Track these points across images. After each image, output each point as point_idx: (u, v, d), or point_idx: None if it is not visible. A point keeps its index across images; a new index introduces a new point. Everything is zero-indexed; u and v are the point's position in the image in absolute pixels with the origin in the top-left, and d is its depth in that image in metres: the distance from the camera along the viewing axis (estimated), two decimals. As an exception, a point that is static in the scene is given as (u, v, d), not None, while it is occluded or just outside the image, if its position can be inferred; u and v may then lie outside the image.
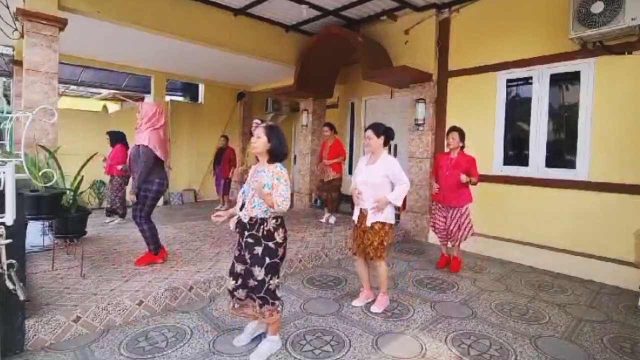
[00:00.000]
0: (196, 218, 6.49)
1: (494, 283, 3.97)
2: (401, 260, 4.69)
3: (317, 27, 6.35)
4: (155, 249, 3.69)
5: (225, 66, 7.10)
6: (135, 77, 9.12)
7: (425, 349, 2.58)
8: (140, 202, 3.53)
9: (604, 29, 3.78)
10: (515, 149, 5.04)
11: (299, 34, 6.64)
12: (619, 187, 4.03)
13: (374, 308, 3.13)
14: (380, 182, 2.98)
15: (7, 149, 5.36)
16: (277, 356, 2.42)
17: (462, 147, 4.13)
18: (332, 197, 6.07)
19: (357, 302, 3.28)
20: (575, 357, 2.54)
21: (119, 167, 5.43)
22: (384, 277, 3.16)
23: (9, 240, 1.86)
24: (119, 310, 2.79)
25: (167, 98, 8.85)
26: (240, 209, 2.35)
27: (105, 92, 10.54)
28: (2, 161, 2.63)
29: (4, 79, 8.26)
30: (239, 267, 2.38)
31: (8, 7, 4.19)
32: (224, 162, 7.38)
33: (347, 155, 7.62)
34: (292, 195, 8.02)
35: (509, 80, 5.00)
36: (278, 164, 2.34)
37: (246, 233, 2.32)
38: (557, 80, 4.62)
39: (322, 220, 6.22)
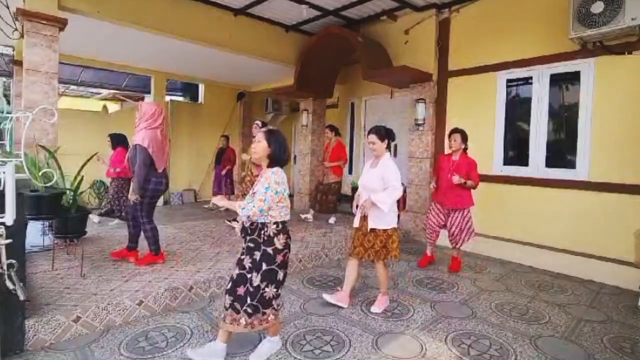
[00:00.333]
0: (196, 218, 6.49)
1: (494, 283, 3.97)
2: (401, 260, 4.68)
3: (317, 27, 6.35)
4: (157, 250, 3.68)
5: (225, 66, 7.10)
6: (135, 77, 9.12)
7: (425, 349, 2.58)
8: (138, 202, 3.53)
9: (604, 29, 3.78)
10: (515, 149, 5.04)
11: (299, 34, 6.64)
12: (619, 187, 4.03)
13: (374, 308, 3.13)
14: (378, 186, 2.98)
15: (7, 149, 5.36)
16: (277, 356, 2.42)
17: (465, 149, 4.12)
18: (326, 200, 6.08)
19: (328, 297, 3.18)
20: (575, 357, 2.54)
21: (116, 169, 5.39)
22: (384, 278, 3.17)
23: (9, 240, 1.86)
24: (119, 310, 2.79)
25: (167, 98, 8.85)
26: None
27: (105, 92, 10.54)
28: (2, 161, 2.63)
29: (4, 79, 8.27)
30: (236, 271, 2.32)
31: (8, 7, 4.19)
32: (224, 162, 7.39)
33: (348, 157, 7.64)
34: (291, 195, 8.04)
35: (509, 80, 5.00)
36: (275, 169, 2.26)
37: (248, 238, 2.30)
38: (557, 80, 4.62)
39: (302, 216, 6.20)
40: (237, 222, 2.49)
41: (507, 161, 5.03)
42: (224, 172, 7.35)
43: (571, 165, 4.44)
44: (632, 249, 3.91)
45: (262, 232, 2.26)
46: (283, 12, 5.82)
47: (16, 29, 4.59)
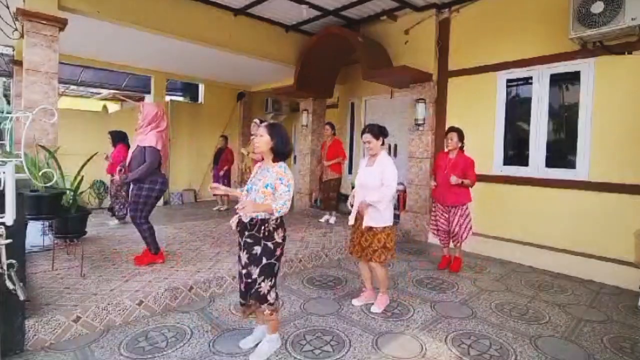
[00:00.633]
0: (196, 218, 6.49)
1: (494, 283, 3.97)
2: (401, 260, 4.69)
3: (317, 27, 6.35)
4: (156, 249, 3.69)
5: (225, 66, 7.10)
6: (135, 77, 9.12)
7: (425, 349, 2.58)
8: (142, 202, 3.52)
9: (604, 29, 3.78)
10: (515, 149, 5.04)
11: (299, 34, 6.64)
12: (619, 187, 4.03)
13: (374, 308, 3.13)
14: (377, 184, 2.98)
15: (7, 149, 5.36)
16: (277, 356, 2.42)
17: (462, 148, 4.13)
18: (331, 197, 6.08)
19: (356, 302, 3.28)
20: (575, 357, 2.54)
21: (117, 168, 5.40)
22: (383, 278, 3.16)
23: (9, 240, 1.86)
24: (119, 310, 2.79)
25: (167, 98, 8.85)
26: None
27: (105, 92, 10.54)
28: (2, 161, 2.63)
29: (4, 79, 8.26)
30: (239, 268, 2.38)
31: (8, 7, 4.19)
32: (222, 162, 7.40)
33: (347, 155, 7.64)
34: (292, 195, 8.04)
35: (509, 80, 5.00)
36: (282, 164, 2.34)
37: (246, 233, 2.31)
38: (557, 80, 4.62)
39: (321, 221, 6.22)
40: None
41: (507, 161, 5.03)
42: (221, 172, 7.36)
43: (571, 165, 4.44)
44: (632, 249, 3.91)
45: (263, 227, 2.27)
46: (283, 12, 5.82)
47: (16, 29, 4.59)
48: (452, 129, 4.14)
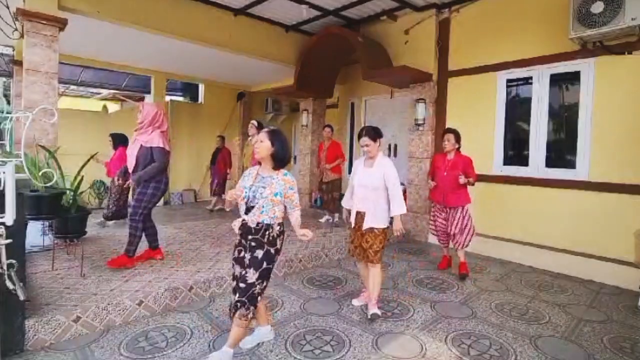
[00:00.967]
0: (196, 218, 6.49)
1: (494, 283, 3.97)
2: (401, 260, 4.69)
3: (317, 27, 6.35)
4: (133, 252, 3.61)
5: (225, 66, 7.10)
6: (135, 77, 9.12)
7: (425, 349, 2.58)
8: (145, 201, 3.52)
9: (604, 29, 3.78)
10: (515, 149, 5.04)
11: (299, 34, 6.64)
12: (619, 187, 4.03)
13: (371, 310, 3.00)
14: (379, 185, 2.99)
15: (7, 149, 5.36)
16: (277, 356, 2.42)
17: (458, 148, 4.14)
18: (332, 198, 6.08)
19: (356, 302, 3.28)
20: (575, 357, 2.54)
21: (116, 173, 5.38)
22: (379, 284, 3.06)
23: (9, 240, 1.86)
24: (119, 310, 2.79)
25: (167, 98, 8.85)
26: (246, 213, 2.32)
27: (105, 92, 10.54)
28: (2, 161, 2.63)
29: (4, 79, 8.26)
30: (237, 269, 2.34)
31: (8, 7, 4.19)
32: (219, 162, 7.39)
33: (347, 156, 7.64)
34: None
35: (509, 80, 5.00)
36: (287, 172, 2.37)
37: (250, 237, 2.30)
38: (557, 80, 4.62)
39: (321, 220, 6.22)
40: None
41: (507, 161, 5.03)
42: (228, 176, 7.32)
43: (571, 165, 4.44)
44: (632, 249, 3.90)
45: (268, 232, 2.28)
46: (283, 12, 5.82)
47: (16, 29, 4.59)
48: (449, 130, 4.14)
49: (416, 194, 5.75)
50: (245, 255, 2.31)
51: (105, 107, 9.55)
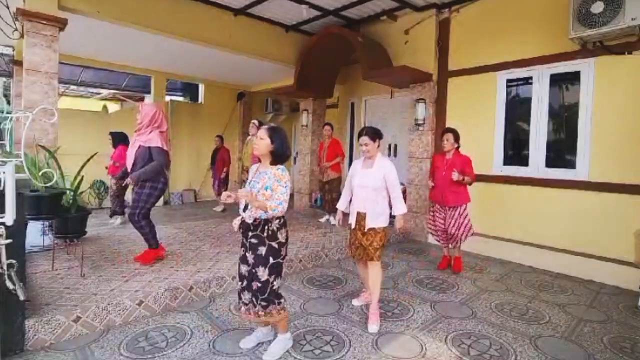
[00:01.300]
0: (196, 218, 6.49)
1: (494, 283, 3.97)
2: (401, 260, 4.69)
3: (317, 27, 6.35)
4: (156, 244, 3.70)
5: (225, 66, 7.10)
6: (135, 77, 9.13)
7: (425, 349, 2.58)
8: (143, 200, 3.53)
9: (604, 29, 3.78)
10: (515, 149, 5.04)
11: (299, 34, 6.64)
12: (619, 187, 4.03)
13: (371, 327, 2.88)
14: (380, 185, 2.99)
15: (7, 149, 5.36)
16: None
17: (457, 148, 4.14)
18: (332, 197, 6.08)
19: (356, 302, 3.28)
20: (575, 357, 2.54)
21: (115, 163, 5.42)
22: (379, 282, 3.03)
23: (9, 240, 1.86)
24: (119, 310, 2.79)
25: (167, 98, 8.85)
26: (244, 210, 2.33)
27: (105, 92, 10.54)
28: (2, 161, 2.63)
29: (4, 79, 8.26)
30: (244, 269, 2.37)
31: (8, 7, 4.19)
32: (219, 162, 7.40)
33: (347, 155, 7.64)
34: (292, 195, 8.02)
35: (509, 80, 5.00)
36: (281, 166, 2.34)
37: (250, 234, 2.32)
38: (557, 80, 4.62)
39: (321, 220, 6.22)
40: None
41: (507, 161, 5.03)
42: (222, 175, 7.35)
43: (571, 165, 4.44)
44: (632, 249, 3.91)
45: (267, 227, 2.29)
46: (283, 12, 5.82)
47: (16, 29, 4.59)
48: (448, 130, 4.15)
49: (416, 194, 5.75)
50: (247, 254, 2.33)
51: (105, 107, 9.55)
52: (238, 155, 6.60)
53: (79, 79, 8.90)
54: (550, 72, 4.60)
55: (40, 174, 3.46)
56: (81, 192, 4.33)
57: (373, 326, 2.89)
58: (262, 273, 2.27)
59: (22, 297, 1.81)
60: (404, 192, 6.10)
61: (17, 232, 2.05)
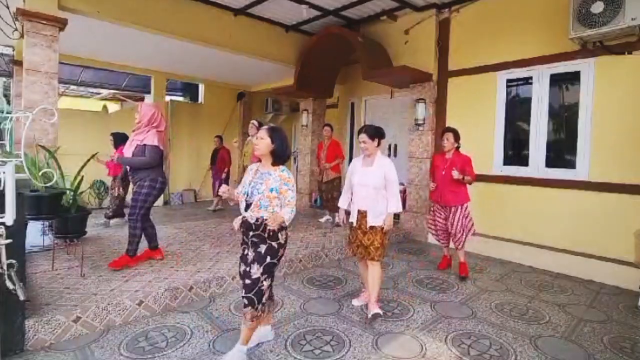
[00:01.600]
0: (196, 218, 6.49)
1: (494, 283, 3.97)
2: (401, 260, 4.69)
3: (317, 27, 6.35)
4: (134, 252, 3.62)
5: (225, 66, 7.11)
6: (135, 77, 9.13)
7: (425, 349, 2.58)
8: (141, 200, 3.52)
9: (604, 29, 3.78)
10: (515, 149, 5.04)
11: (299, 34, 6.64)
12: (619, 187, 4.03)
13: (373, 310, 3.00)
14: (380, 184, 2.99)
15: (7, 149, 5.36)
16: (277, 356, 2.42)
17: (458, 147, 4.14)
18: (332, 197, 6.08)
19: (356, 302, 3.28)
20: (575, 357, 2.54)
21: (113, 158, 5.39)
22: (378, 282, 3.06)
23: (9, 240, 1.86)
24: (119, 310, 2.79)
25: (167, 98, 8.85)
26: (245, 210, 2.33)
27: (105, 92, 10.54)
28: (2, 161, 2.63)
29: (4, 79, 8.26)
30: (243, 267, 2.38)
31: (8, 7, 4.19)
32: (219, 162, 7.40)
33: (347, 155, 7.64)
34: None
35: (509, 80, 5.00)
36: (284, 168, 2.36)
37: (251, 233, 2.32)
38: (557, 80, 4.62)
39: (321, 220, 6.22)
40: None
41: (507, 161, 5.03)
42: (224, 175, 7.35)
43: (571, 165, 4.44)
44: (632, 249, 3.91)
45: (268, 227, 2.28)
46: (283, 12, 5.82)
47: (16, 29, 4.59)
48: (448, 129, 4.13)
49: (416, 194, 5.75)
50: (249, 252, 2.34)
51: (105, 107, 9.55)
52: (238, 145, 6.53)
53: (79, 79, 8.90)
54: (550, 72, 4.60)
55: (40, 174, 3.46)
56: (81, 192, 4.34)
57: (374, 309, 2.99)
58: (256, 271, 2.27)
59: (22, 297, 1.81)
60: (403, 192, 6.16)
61: (17, 232, 2.05)
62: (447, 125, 4.51)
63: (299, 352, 2.46)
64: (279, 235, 2.33)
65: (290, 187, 2.31)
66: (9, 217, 1.86)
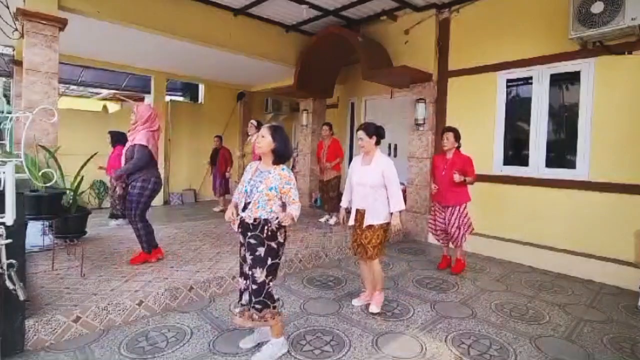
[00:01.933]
0: (196, 218, 6.49)
1: (494, 283, 3.97)
2: (401, 260, 4.69)
3: (317, 27, 6.35)
4: (149, 248, 3.68)
5: (225, 66, 7.11)
6: (135, 77, 9.12)
7: (425, 349, 2.58)
8: (135, 201, 3.53)
9: (604, 29, 3.78)
10: (515, 149, 5.04)
11: (299, 34, 6.64)
12: (619, 187, 4.03)
13: (373, 308, 3.11)
14: (378, 183, 3.00)
15: (7, 149, 5.36)
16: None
17: (458, 147, 4.13)
18: (331, 197, 6.08)
19: (356, 302, 3.28)
20: (575, 357, 2.54)
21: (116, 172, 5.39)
22: (380, 276, 3.15)
23: (9, 240, 1.86)
24: (119, 310, 2.79)
25: (167, 98, 8.85)
26: (243, 210, 2.33)
27: (105, 92, 10.53)
28: (2, 161, 2.63)
29: (4, 79, 8.26)
30: (246, 268, 2.36)
31: (8, 7, 4.19)
32: (220, 162, 7.39)
33: (347, 155, 7.64)
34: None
35: (509, 80, 5.00)
36: (285, 167, 2.35)
37: (249, 234, 2.30)
38: (557, 80, 4.62)
39: (321, 220, 6.22)
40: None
41: (507, 161, 5.03)
42: (227, 175, 7.34)
43: (571, 165, 4.44)
44: (632, 249, 3.91)
45: (266, 227, 2.28)
46: (283, 12, 5.82)
47: (16, 29, 4.59)
48: (448, 129, 4.13)
49: (416, 194, 5.75)
50: (247, 255, 2.32)
51: (105, 107, 9.55)
52: (239, 154, 6.57)
53: (79, 79, 8.90)
54: (550, 72, 4.60)
55: (40, 174, 3.46)
56: (81, 192, 4.33)
57: (374, 307, 3.07)
58: (260, 275, 2.26)
59: (22, 297, 1.82)
60: (404, 192, 6.15)
61: (17, 232, 2.05)
62: (447, 125, 4.51)
63: (299, 352, 2.46)
64: (278, 234, 2.31)
65: (292, 185, 2.32)
66: (9, 217, 1.86)
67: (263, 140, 2.31)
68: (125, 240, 4.60)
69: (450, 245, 4.28)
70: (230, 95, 9.41)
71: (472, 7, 5.26)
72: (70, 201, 3.98)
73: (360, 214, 3.07)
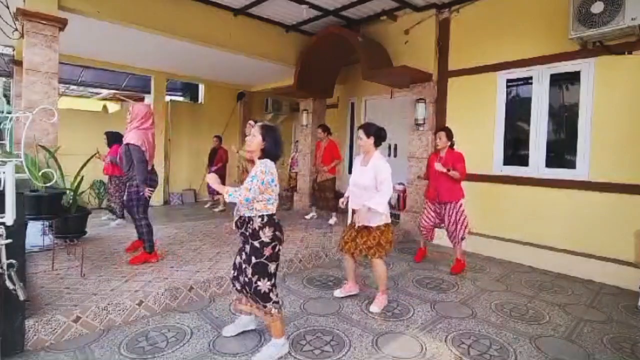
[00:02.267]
0: (196, 218, 6.49)
1: (494, 283, 3.97)
2: (401, 260, 4.69)
3: (317, 27, 6.35)
4: (151, 248, 3.71)
5: (225, 66, 7.11)
6: (135, 77, 9.12)
7: (425, 349, 2.58)
8: (135, 199, 3.59)
9: (604, 29, 3.78)
10: (515, 149, 5.04)
11: (299, 34, 6.64)
12: (619, 187, 4.03)
13: (373, 308, 3.13)
14: (370, 184, 2.99)
15: (7, 149, 5.36)
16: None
17: (452, 146, 4.17)
18: (326, 197, 6.07)
19: (338, 293, 3.35)
20: (575, 357, 2.54)
21: (106, 160, 5.43)
22: (383, 276, 3.16)
23: (9, 240, 1.86)
24: (119, 310, 2.79)
25: (167, 98, 8.85)
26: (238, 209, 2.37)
27: (105, 92, 10.53)
28: (2, 161, 2.63)
29: (4, 79, 8.26)
30: (238, 259, 2.44)
31: (8, 7, 4.19)
32: (217, 162, 7.38)
33: (347, 156, 7.65)
34: (292, 195, 7.99)
35: (509, 80, 5.00)
36: (265, 160, 2.27)
37: (239, 232, 2.38)
38: (557, 80, 4.62)
39: (306, 217, 6.21)
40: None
41: (507, 161, 5.03)
42: (214, 168, 7.33)
43: (571, 165, 4.44)
44: (632, 249, 3.91)
45: (249, 225, 2.30)
46: (283, 12, 5.82)
47: (16, 29, 4.59)
48: (441, 129, 4.24)
49: (416, 194, 5.74)
50: (242, 251, 2.40)
51: (105, 107, 9.55)
52: (235, 149, 6.59)
53: (79, 79, 8.90)
54: (550, 72, 4.60)
55: (40, 174, 3.46)
56: (81, 192, 4.33)
57: (374, 307, 3.10)
58: (249, 272, 2.31)
59: (22, 297, 1.82)
60: (403, 192, 6.16)
61: (17, 232, 2.05)
62: (445, 125, 4.55)
63: (299, 352, 2.46)
64: (261, 233, 2.27)
65: (254, 172, 2.20)
66: (9, 217, 1.86)
67: (253, 139, 2.31)
68: (125, 240, 4.60)
69: (450, 244, 4.29)
70: (230, 95, 9.41)
71: (472, 7, 5.26)
72: (70, 201, 3.98)
73: (359, 216, 3.08)
